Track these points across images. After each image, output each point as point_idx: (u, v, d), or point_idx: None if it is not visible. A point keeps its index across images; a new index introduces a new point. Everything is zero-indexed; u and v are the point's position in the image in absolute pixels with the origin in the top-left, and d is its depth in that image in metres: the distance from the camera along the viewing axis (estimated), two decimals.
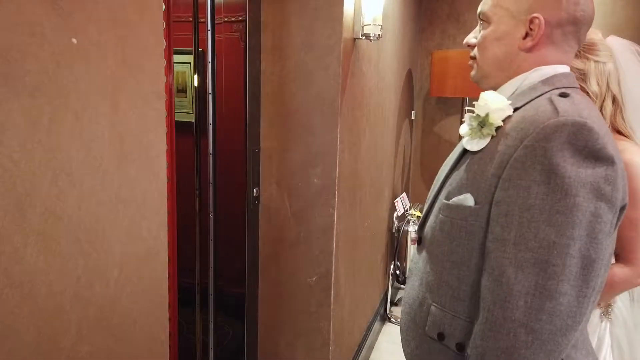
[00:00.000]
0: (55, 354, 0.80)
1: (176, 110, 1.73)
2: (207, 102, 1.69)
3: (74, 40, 0.78)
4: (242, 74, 1.83)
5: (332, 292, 1.96)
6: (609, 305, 1.35)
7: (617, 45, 1.24)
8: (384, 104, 2.64)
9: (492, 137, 0.87)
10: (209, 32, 1.64)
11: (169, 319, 1.32)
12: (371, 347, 2.80)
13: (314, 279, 1.98)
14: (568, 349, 0.85)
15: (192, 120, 1.78)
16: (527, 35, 0.89)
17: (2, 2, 0.66)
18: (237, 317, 2.06)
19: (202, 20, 1.65)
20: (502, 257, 0.79)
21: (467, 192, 0.87)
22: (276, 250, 2.01)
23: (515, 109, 0.87)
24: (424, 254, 0.99)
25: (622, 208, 0.82)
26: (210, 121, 1.70)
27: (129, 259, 0.96)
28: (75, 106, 0.79)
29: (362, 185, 2.31)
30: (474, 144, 0.89)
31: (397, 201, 3.12)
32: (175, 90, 1.99)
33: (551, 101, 0.82)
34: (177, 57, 1.73)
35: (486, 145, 0.87)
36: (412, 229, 3.14)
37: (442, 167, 1.02)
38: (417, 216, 3.18)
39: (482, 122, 0.88)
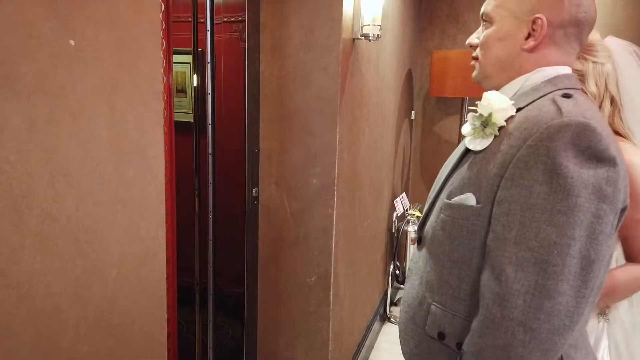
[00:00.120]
0: (54, 354, 0.81)
1: (175, 110, 1.74)
2: (206, 102, 1.69)
3: (72, 42, 0.78)
4: (242, 74, 1.83)
5: (332, 292, 1.97)
6: (606, 306, 1.34)
7: (616, 45, 1.23)
8: (384, 104, 2.63)
9: (495, 137, 0.87)
10: (208, 32, 1.64)
11: (169, 319, 1.32)
12: (371, 347, 2.80)
13: (313, 279, 1.98)
14: (568, 349, 0.86)
15: (192, 120, 1.78)
16: (529, 35, 0.89)
17: (0, 4, 0.67)
18: (236, 317, 2.07)
19: (201, 20, 1.65)
20: (503, 256, 0.79)
21: (469, 191, 0.87)
22: (275, 250, 2.01)
23: (518, 110, 0.87)
24: (424, 253, 0.99)
25: (623, 209, 0.83)
26: (210, 121, 1.70)
27: (128, 259, 0.96)
28: (72, 107, 0.80)
29: (361, 186, 2.31)
30: (477, 144, 0.89)
31: (396, 201, 3.12)
32: (174, 90, 2.00)
33: (554, 102, 0.82)
34: (176, 57, 1.73)
35: (489, 145, 0.87)
36: (411, 229, 3.14)
37: (443, 167, 1.02)
38: (417, 216, 3.18)
39: (485, 122, 0.88)
